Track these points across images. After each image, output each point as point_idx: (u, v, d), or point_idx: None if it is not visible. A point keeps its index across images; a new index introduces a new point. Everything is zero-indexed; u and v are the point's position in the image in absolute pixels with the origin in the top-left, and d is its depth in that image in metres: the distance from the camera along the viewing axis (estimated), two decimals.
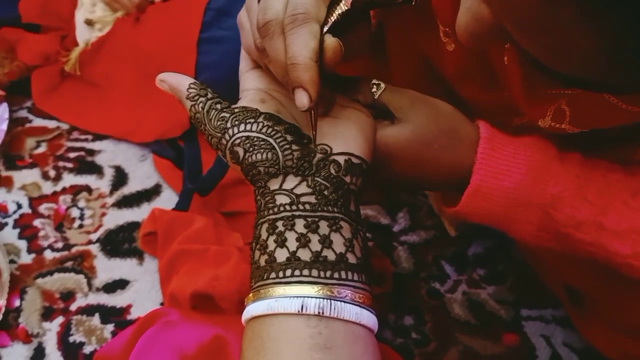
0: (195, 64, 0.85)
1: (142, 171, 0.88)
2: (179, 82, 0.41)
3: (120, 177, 0.87)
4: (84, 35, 0.99)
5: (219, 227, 0.75)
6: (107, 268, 0.76)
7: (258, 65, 0.42)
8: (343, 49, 0.37)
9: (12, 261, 0.76)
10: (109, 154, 0.91)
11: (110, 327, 0.70)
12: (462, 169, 0.44)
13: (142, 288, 0.74)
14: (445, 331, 0.69)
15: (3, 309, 0.69)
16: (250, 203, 0.77)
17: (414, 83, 0.52)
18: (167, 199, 0.84)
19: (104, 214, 0.82)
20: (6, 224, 0.82)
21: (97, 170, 0.88)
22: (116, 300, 0.73)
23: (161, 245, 0.73)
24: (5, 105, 0.95)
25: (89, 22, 0.98)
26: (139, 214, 0.82)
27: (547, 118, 0.43)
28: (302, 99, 0.36)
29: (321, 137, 0.38)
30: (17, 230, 0.81)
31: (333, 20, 0.37)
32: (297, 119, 0.39)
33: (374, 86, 0.44)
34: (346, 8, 0.37)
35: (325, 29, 0.37)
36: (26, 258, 0.78)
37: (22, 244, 0.79)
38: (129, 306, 0.72)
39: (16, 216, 0.82)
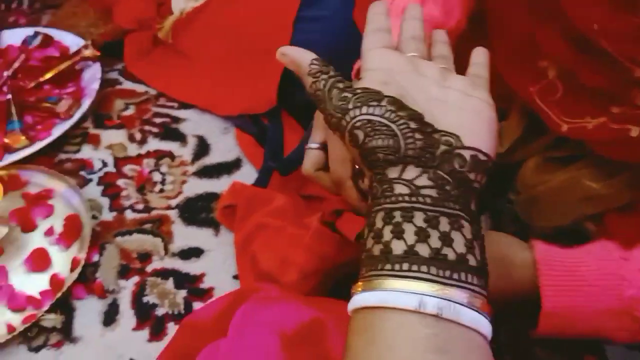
0: (290, 42, 0.84)
1: (224, 144, 0.88)
2: (301, 57, 0.39)
3: (203, 147, 0.88)
4: (179, 4, 1.00)
5: (299, 208, 0.74)
6: (184, 235, 0.77)
7: (385, 44, 0.40)
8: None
9: (94, 217, 0.78)
10: (193, 123, 0.92)
11: (183, 292, 0.71)
12: (522, 291, 0.46)
13: (216, 258, 0.75)
14: (523, 346, 0.66)
15: (82, 262, 0.71)
16: None
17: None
18: (247, 174, 0.84)
19: (184, 182, 0.83)
20: (91, 180, 0.84)
21: (180, 138, 0.89)
22: (190, 267, 0.74)
23: (239, 219, 0.73)
24: (98, 65, 0.97)
25: None
26: (218, 185, 0.83)
27: None
28: None
29: (445, 126, 0.36)
30: (101, 188, 0.83)
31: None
32: (420, 106, 0.37)
33: None
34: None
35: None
36: (107, 215, 0.80)
37: (105, 202, 0.81)
38: (202, 275, 0.73)
39: (101, 174, 0.85)
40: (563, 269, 0.45)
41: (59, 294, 0.68)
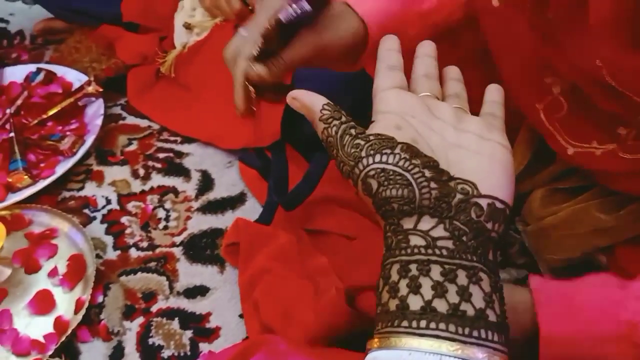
0: (292, 75, 0.84)
1: (228, 178, 0.88)
2: (313, 102, 0.39)
3: (207, 182, 0.87)
4: (181, 39, 1.00)
5: (303, 246, 0.73)
6: (189, 272, 0.76)
7: (398, 83, 0.40)
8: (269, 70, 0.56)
9: (98, 256, 0.77)
10: (196, 157, 0.91)
11: (189, 333, 0.70)
12: (526, 331, 0.45)
13: (222, 297, 0.73)
14: None
15: (87, 303, 0.70)
16: (336, 224, 0.75)
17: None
18: (251, 209, 0.83)
19: (188, 218, 0.83)
20: (94, 218, 0.83)
21: (184, 173, 0.89)
22: (196, 306, 0.72)
23: (243, 259, 0.72)
24: (101, 101, 0.97)
25: (188, 26, 1.00)
26: (223, 221, 0.82)
27: None
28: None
29: (461, 173, 0.35)
30: (105, 226, 0.82)
31: (256, 52, 0.56)
32: (434, 151, 0.36)
33: None
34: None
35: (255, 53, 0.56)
36: (111, 254, 0.79)
37: (109, 240, 0.80)
38: (208, 314, 0.71)
39: (104, 211, 0.84)
40: (559, 297, 0.45)
41: (63, 338, 0.67)
